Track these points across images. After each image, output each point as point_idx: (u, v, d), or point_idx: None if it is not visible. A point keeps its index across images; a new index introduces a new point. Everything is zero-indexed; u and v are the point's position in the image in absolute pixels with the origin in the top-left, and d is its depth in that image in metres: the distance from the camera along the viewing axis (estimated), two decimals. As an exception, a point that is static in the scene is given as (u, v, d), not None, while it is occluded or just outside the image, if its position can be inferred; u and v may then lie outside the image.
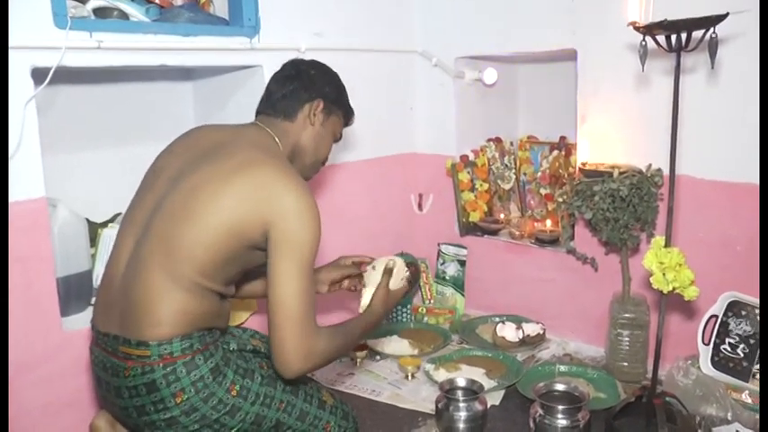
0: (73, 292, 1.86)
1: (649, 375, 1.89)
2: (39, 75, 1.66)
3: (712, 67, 1.60)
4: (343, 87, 1.74)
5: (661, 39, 1.64)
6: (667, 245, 1.68)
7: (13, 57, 1.61)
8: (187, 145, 1.60)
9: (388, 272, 1.67)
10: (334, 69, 1.77)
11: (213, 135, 1.60)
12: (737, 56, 1.88)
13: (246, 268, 1.55)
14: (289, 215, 1.40)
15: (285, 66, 1.72)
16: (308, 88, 1.65)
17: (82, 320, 1.83)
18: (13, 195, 1.65)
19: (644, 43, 1.66)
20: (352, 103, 1.77)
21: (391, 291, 1.66)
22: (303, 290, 1.39)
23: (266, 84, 1.71)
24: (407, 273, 1.72)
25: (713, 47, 1.56)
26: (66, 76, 1.94)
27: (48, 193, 1.73)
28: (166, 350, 1.38)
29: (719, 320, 1.97)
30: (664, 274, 1.65)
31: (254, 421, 1.47)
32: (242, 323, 2.15)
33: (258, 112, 1.69)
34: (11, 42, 1.59)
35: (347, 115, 1.76)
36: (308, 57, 2.23)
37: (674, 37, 1.61)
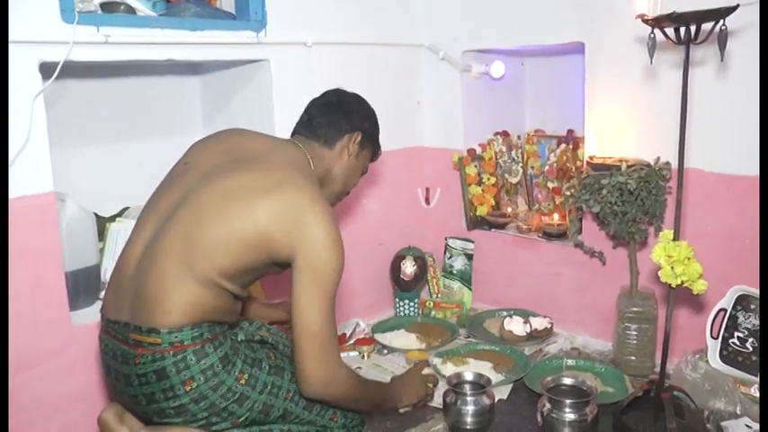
0: (81, 286, 1.86)
1: (657, 369, 1.88)
2: (46, 69, 1.67)
3: (722, 60, 1.59)
4: (378, 125, 1.79)
5: (670, 31, 1.63)
6: (676, 238, 1.67)
7: (20, 51, 1.62)
8: (223, 146, 1.62)
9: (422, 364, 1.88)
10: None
11: (251, 142, 1.64)
12: (747, 48, 1.87)
13: (264, 275, 1.58)
14: (317, 244, 1.43)
15: (327, 93, 1.76)
16: (349, 120, 1.69)
17: (90, 315, 1.84)
18: (22, 190, 1.66)
19: (652, 36, 1.64)
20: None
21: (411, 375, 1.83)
22: (327, 316, 1.44)
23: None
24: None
25: (723, 39, 1.55)
26: (74, 70, 1.94)
27: (56, 187, 1.74)
28: (177, 338, 1.40)
29: (728, 314, 1.96)
30: (672, 268, 1.64)
31: (262, 410, 1.49)
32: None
33: (295, 132, 1.73)
34: (19, 37, 1.60)
35: (375, 151, 1.81)
36: (314, 51, 2.25)
37: (682, 29, 1.60)
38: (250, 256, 1.45)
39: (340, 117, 1.69)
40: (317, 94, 1.75)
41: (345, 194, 1.79)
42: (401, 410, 1.79)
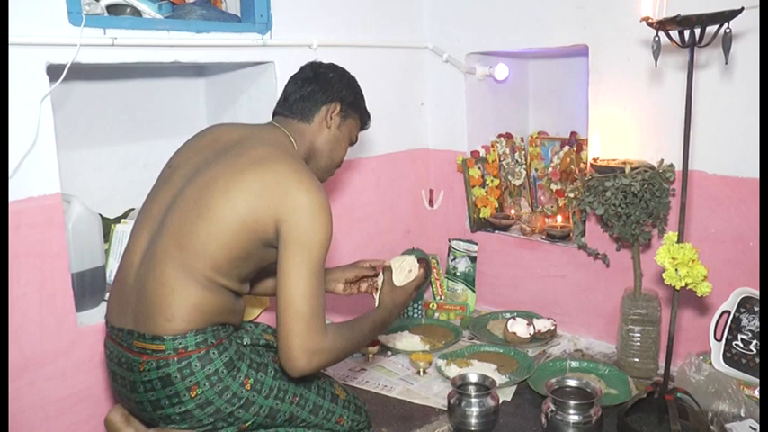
0: (87, 287, 1.87)
1: (661, 371, 1.88)
2: (54, 71, 1.68)
3: (726, 63, 1.59)
4: (361, 91, 1.75)
5: (674, 34, 1.64)
6: (680, 240, 1.68)
7: (28, 54, 1.63)
8: (204, 143, 1.61)
9: (389, 268, 1.69)
10: (346, 66, 1.78)
11: (230, 134, 1.62)
12: (752, 51, 1.87)
13: (260, 266, 1.55)
14: (301, 213, 1.40)
15: (303, 68, 1.72)
16: (325, 91, 1.66)
17: (96, 316, 1.84)
18: (29, 191, 1.66)
19: (657, 39, 1.65)
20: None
21: (398, 286, 1.67)
22: (312, 288, 1.40)
23: (283, 83, 1.72)
24: (416, 268, 1.71)
25: (727, 42, 1.56)
26: (81, 72, 1.95)
27: (62, 188, 1.74)
28: (181, 344, 1.40)
29: (732, 316, 1.97)
30: (676, 270, 1.65)
31: (268, 415, 1.48)
32: (254, 319, 2.16)
33: (275, 113, 1.71)
34: (26, 39, 1.61)
35: (363, 119, 1.77)
36: (319, 53, 2.25)
37: (687, 32, 1.61)
38: (240, 242, 1.43)
39: (315, 90, 1.66)
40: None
41: (335, 167, 1.75)
42: None
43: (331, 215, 1.44)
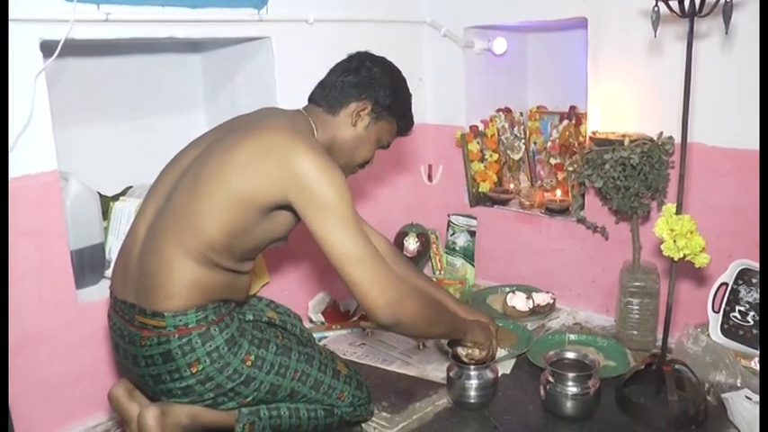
0: (87, 264, 1.87)
1: (659, 343, 1.89)
2: (47, 48, 1.66)
3: (726, 32, 1.57)
4: (404, 95, 1.66)
5: (674, 4, 1.62)
6: (678, 212, 1.67)
7: (21, 30, 1.61)
8: (223, 125, 1.59)
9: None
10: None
11: (247, 117, 1.59)
12: (752, 21, 1.85)
13: (261, 244, 1.52)
14: (307, 176, 1.36)
15: (351, 56, 1.63)
16: (360, 86, 1.57)
17: (96, 293, 1.85)
18: (26, 169, 1.66)
19: (656, 8, 1.63)
20: None
21: (494, 324, 1.83)
22: (359, 239, 1.37)
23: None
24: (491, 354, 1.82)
25: (728, 11, 1.54)
26: (75, 48, 1.93)
27: (59, 166, 1.73)
28: (181, 321, 1.40)
29: (730, 288, 1.97)
30: (674, 242, 1.65)
31: (269, 390, 1.49)
32: (255, 293, 2.17)
33: (309, 98, 1.64)
34: (19, 15, 1.59)
35: (402, 125, 1.67)
36: (316, 28, 2.23)
37: (687, 1, 1.59)
38: (236, 218, 1.40)
39: (351, 83, 1.56)
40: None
41: (358, 167, 1.67)
42: (464, 355, 1.79)
43: (336, 169, 1.39)
